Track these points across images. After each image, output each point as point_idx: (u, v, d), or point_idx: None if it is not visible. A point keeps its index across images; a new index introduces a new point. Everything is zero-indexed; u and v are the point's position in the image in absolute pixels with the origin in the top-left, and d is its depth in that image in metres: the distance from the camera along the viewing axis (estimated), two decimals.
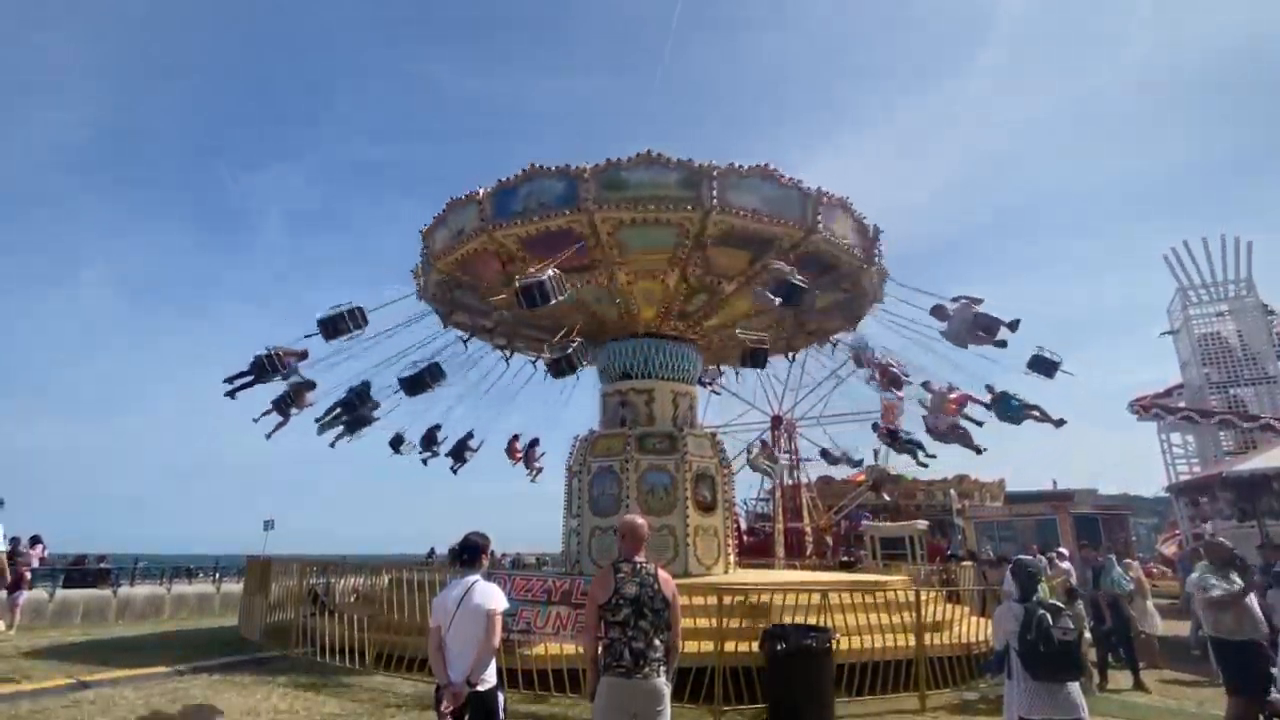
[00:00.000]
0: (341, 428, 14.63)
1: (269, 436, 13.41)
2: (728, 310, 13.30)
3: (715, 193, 10.70)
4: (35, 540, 14.90)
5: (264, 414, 13.13)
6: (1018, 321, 11.99)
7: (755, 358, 11.78)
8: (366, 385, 14.31)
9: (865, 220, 12.51)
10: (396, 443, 16.62)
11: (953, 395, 13.53)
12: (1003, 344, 12.18)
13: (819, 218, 11.38)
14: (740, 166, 10.97)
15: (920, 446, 15.29)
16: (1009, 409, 12.81)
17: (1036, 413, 12.74)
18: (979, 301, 12.23)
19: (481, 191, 11.84)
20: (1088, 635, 9.72)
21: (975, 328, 12.11)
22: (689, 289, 12.49)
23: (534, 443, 19.09)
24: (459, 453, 18.07)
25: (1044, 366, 12.26)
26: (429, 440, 17.23)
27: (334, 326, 12.07)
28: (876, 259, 12.93)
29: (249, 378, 12.20)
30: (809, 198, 11.36)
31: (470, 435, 18.08)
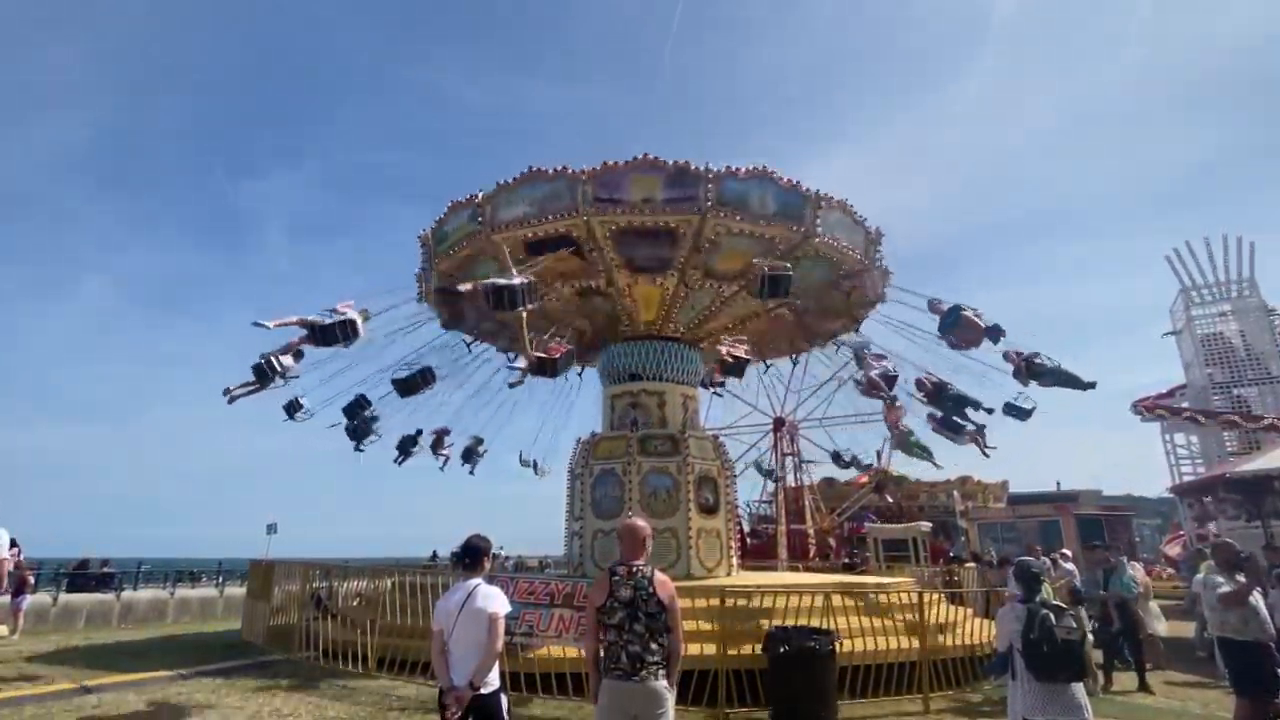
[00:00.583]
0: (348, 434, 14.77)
1: (230, 398, 12.17)
2: (732, 312, 13.31)
3: (711, 195, 10.69)
4: (12, 543, 14.72)
5: (244, 386, 12.19)
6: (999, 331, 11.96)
7: (734, 368, 11.90)
8: (361, 396, 14.42)
9: (865, 222, 12.53)
10: (405, 446, 16.60)
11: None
12: (997, 335, 12.00)
13: (817, 220, 11.40)
14: (738, 169, 10.96)
15: (928, 452, 15.21)
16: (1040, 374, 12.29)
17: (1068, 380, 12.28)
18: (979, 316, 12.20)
19: (480, 194, 11.91)
20: (1091, 637, 9.70)
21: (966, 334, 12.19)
22: (689, 291, 12.50)
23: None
24: (469, 456, 18.34)
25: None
26: (437, 444, 17.30)
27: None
28: (877, 260, 12.94)
29: (252, 385, 12.08)
30: (808, 200, 11.37)
31: (480, 441, 18.32)
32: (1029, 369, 12.17)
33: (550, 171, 11.15)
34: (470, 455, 18.42)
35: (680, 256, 11.54)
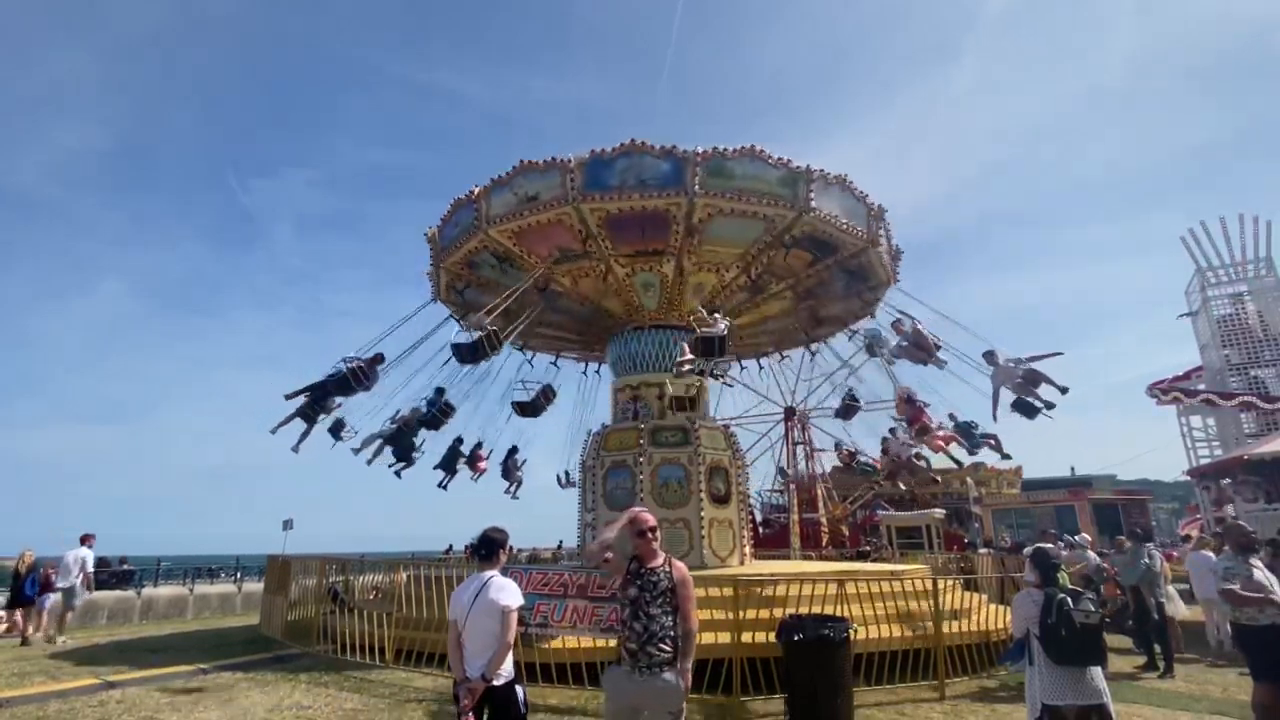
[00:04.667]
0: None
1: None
2: (737, 299, 13.26)
3: (699, 177, 10.62)
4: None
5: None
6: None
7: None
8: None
9: (868, 198, 12.23)
10: (448, 465, 16.49)
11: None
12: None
13: (810, 197, 11.14)
14: (726, 149, 10.82)
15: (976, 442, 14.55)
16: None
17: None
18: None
19: (476, 190, 12.07)
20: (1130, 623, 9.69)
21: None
22: (687, 278, 12.45)
23: (513, 450, 17.77)
24: (508, 472, 17.74)
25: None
26: (474, 460, 16.97)
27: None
28: (882, 237, 12.61)
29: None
30: (800, 176, 11.14)
31: (515, 450, 17.83)
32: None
33: (541, 163, 11.20)
34: (509, 472, 17.78)
35: (675, 241, 11.50)
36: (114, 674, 8.41)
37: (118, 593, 16.69)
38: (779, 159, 11.08)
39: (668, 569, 3.83)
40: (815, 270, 12.84)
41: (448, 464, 16.34)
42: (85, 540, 12.67)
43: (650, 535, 3.88)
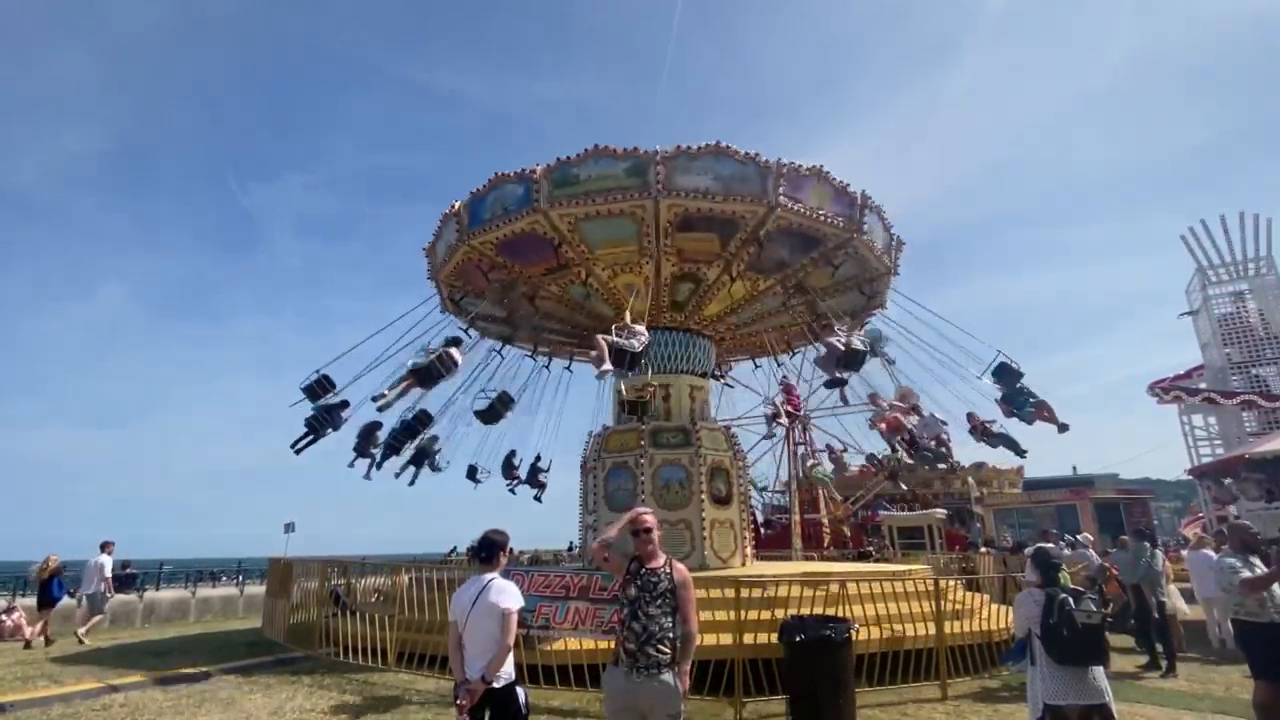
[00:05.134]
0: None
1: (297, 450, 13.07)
2: (726, 297, 13.20)
3: (661, 177, 10.60)
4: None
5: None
6: (1066, 426, 12.44)
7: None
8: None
9: (848, 187, 11.87)
10: (472, 473, 17.09)
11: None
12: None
13: (780, 191, 10.94)
14: (690, 147, 10.75)
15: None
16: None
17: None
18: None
19: (457, 204, 12.20)
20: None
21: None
22: (671, 278, 12.46)
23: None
24: (534, 478, 18.08)
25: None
26: (509, 467, 17.56)
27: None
28: (865, 226, 12.20)
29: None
30: (769, 171, 10.95)
31: (539, 459, 18.26)
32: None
33: (513, 174, 11.31)
34: (534, 477, 18.13)
35: (648, 243, 11.51)
36: (117, 677, 8.41)
37: (120, 596, 16.70)
38: (745, 153, 10.89)
39: (668, 570, 3.83)
40: (802, 264, 12.67)
41: (531, 479, 17.86)
42: (105, 547, 12.95)
43: (645, 535, 3.88)
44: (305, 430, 12.62)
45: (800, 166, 11.23)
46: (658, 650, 3.61)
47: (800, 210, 11.26)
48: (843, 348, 11.39)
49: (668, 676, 3.60)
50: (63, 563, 12.89)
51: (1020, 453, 13.63)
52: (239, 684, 8.18)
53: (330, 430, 12.84)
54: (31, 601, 13.43)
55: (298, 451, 12.88)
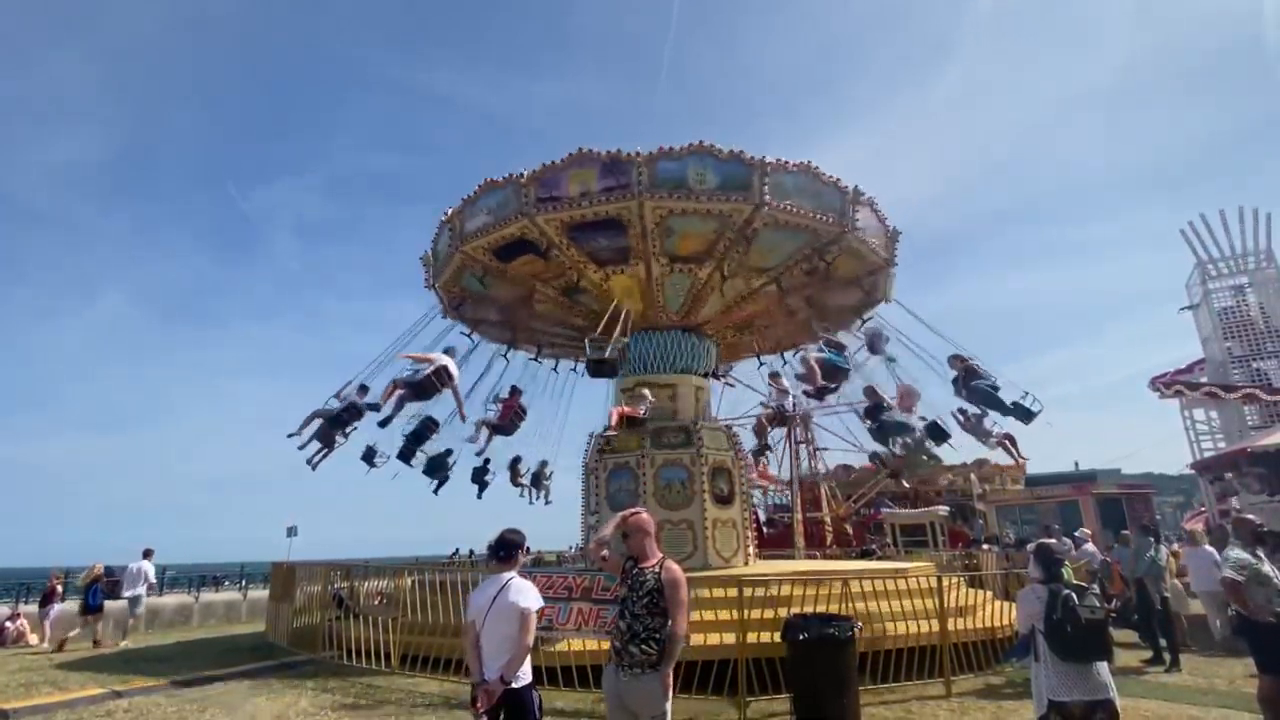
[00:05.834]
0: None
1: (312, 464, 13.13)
2: (727, 297, 13.19)
3: (643, 179, 10.64)
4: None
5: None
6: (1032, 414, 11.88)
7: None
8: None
9: (838, 181, 11.90)
10: (479, 475, 16.88)
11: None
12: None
13: (765, 188, 10.96)
14: (672, 148, 10.81)
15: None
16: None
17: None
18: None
19: (450, 211, 12.39)
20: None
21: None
22: (663, 278, 12.46)
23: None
24: (538, 482, 18.26)
25: (1023, 413, 12.04)
26: (514, 473, 17.65)
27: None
28: (858, 220, 12.16)
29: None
30: (754, 168, 10.99)
31: (545, 464, 18.46)
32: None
33: (501, 180, 11.42)
34: (539, 481, 18.32)
35: (636, 244, 11.53)
36: (121, 683, 8.41)
37: (122, 603, 16.69)
38: (729, 151, 10.91)
39: (657, 570, 3.83)
40: (795, 261, 12.62)
41: (535, 483, 18.14)
42: (147, 554, 13.48)
43: (628, 535, 3.93)
44: (319, 445, 12.72)
45: (788, 163, 11.24)
46: (642, 650, 3.61)
47: (788, 207, 11.25)
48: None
49: (649, 677, 3.60)
50: (107, 567, 13.46)
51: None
52: (243, 688, 8.18)
53: (342, 439, 12.91)
54: (33, 608, 13.50)
55: (313, 466, 12.98)
